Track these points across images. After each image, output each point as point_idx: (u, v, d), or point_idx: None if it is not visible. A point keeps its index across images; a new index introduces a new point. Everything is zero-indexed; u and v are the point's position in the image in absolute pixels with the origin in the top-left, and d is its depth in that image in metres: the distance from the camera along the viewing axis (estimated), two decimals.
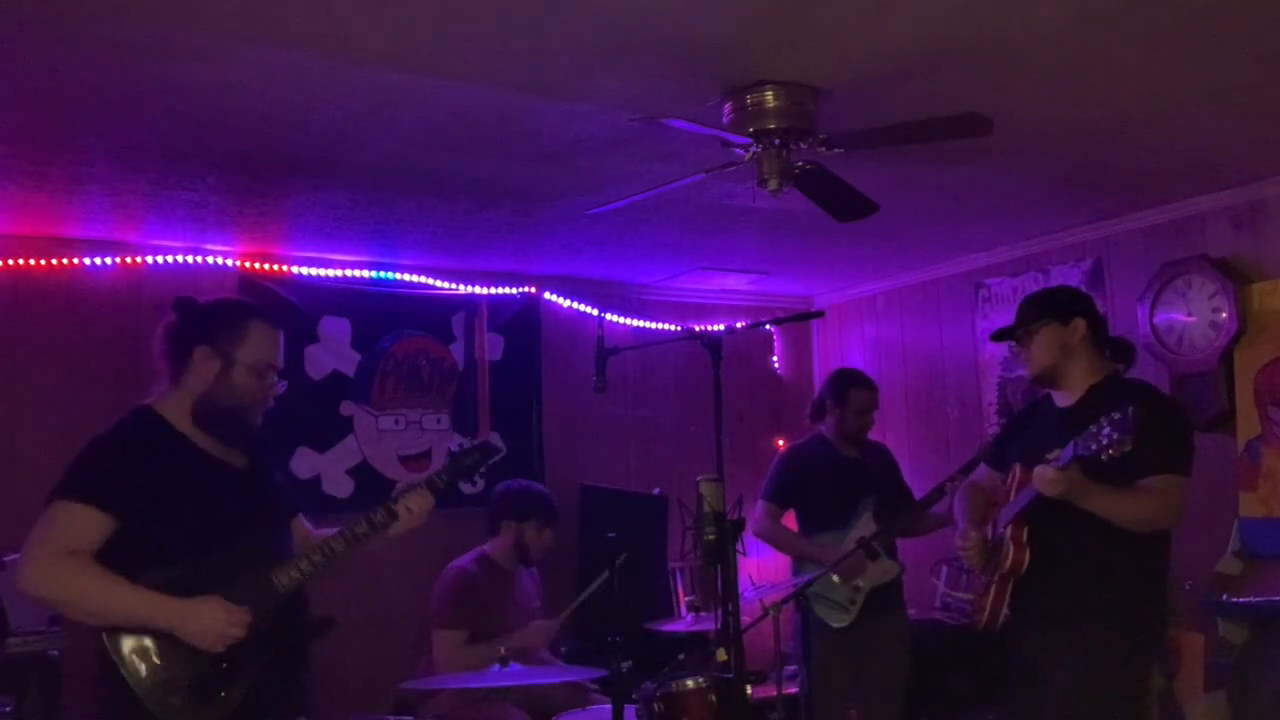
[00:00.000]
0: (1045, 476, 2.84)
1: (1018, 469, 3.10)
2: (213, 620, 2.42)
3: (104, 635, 2.42)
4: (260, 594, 2.51)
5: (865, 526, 4.44)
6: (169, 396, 2.63)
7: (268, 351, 2.67)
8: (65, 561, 2.39)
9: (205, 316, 2.66)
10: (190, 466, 2.57)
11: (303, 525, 2.88)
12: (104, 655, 2.43)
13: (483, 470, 2.96)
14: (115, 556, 2.43)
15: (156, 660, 2.41)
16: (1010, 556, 3.03)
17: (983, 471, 3.50)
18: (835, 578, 4.29)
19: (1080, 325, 3.17)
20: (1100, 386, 3.15)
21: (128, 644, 2.42)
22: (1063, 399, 3.22)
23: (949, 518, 4.47)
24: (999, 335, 3.40)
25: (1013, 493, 3.10)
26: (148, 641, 2.42)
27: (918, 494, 4.60)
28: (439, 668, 4.05)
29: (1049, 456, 2.85)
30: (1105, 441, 2.67)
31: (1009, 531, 3.05)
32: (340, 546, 2.66)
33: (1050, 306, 3.23)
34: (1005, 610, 3.11)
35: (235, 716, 2.46)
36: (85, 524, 2.42)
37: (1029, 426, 3.33)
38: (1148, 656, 3.07)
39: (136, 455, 2.52)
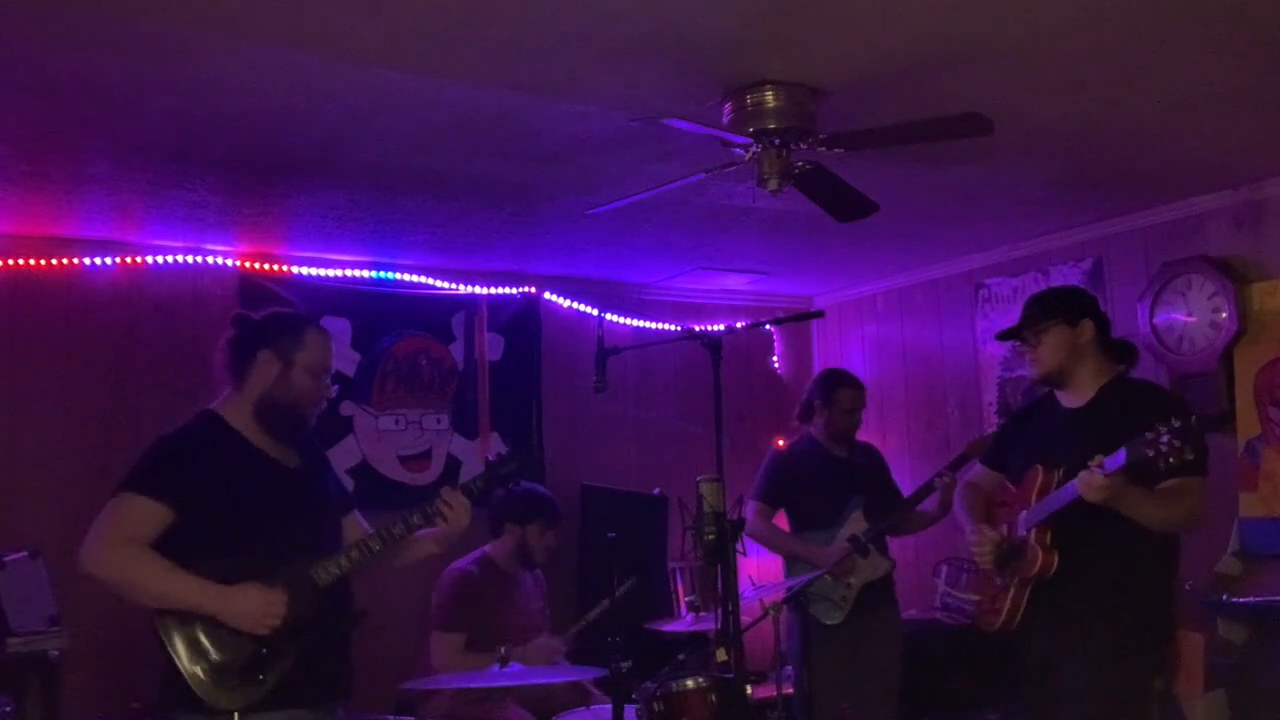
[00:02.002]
0: (1093, 483, 2.79)
1: (1039, 471, 3.07)
2: (251, 605, 2.62)
3: (155, 617, 2.63)
4: (299, 585, 2.69)
5: (855, 524, 4.45)
6: (231, 400, 2.86)
7: (323, 356, 2.90)
8: (123, 547, 2.62)
9: (266, 324, 2.90)
10: (247, 465, 2.79)
11: (357, 522, 3.07)
12: (158, 636, 2.64)
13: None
14: (173, 546, 2.64)
15: (201, 643, 2.62)
16: (1039, 560, 3.00)
17: (979, 471, 3.49)
18: (827, 576, 4.31)
19: (1089, 326, 3.16)
20: (1110, 388, 3.14)
21: (175, 627, 2.62)
22: (1070, 400, 3.20)
23: (938, 514, 4.50)
24: (1005, 335, 3.38)
25: (1033, 495, 3.06)
26: (194, 625, 2.62)
27: (911, 493, 4.62)
28: (436, 671, 4.04)
29: (1092, 463, 2.80)
30: (1165, 449, 2.64)
31: (1033, 535, 3.03)
32: (377, 545, 2.86)
33: (1059, 307, 3.22)
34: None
35: (273, 699, 2.64)
36: (145, 515, 2.64)
37: (1033, 427, 3.31)
38: (1157, 657, 3.06)
39: (197, 453, 2.75)
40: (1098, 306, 3.27)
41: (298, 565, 2.72)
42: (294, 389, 2.83)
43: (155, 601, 2.63)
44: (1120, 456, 2.74)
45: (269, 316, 2.96)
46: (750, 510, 4.63)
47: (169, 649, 2.61)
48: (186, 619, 2.62)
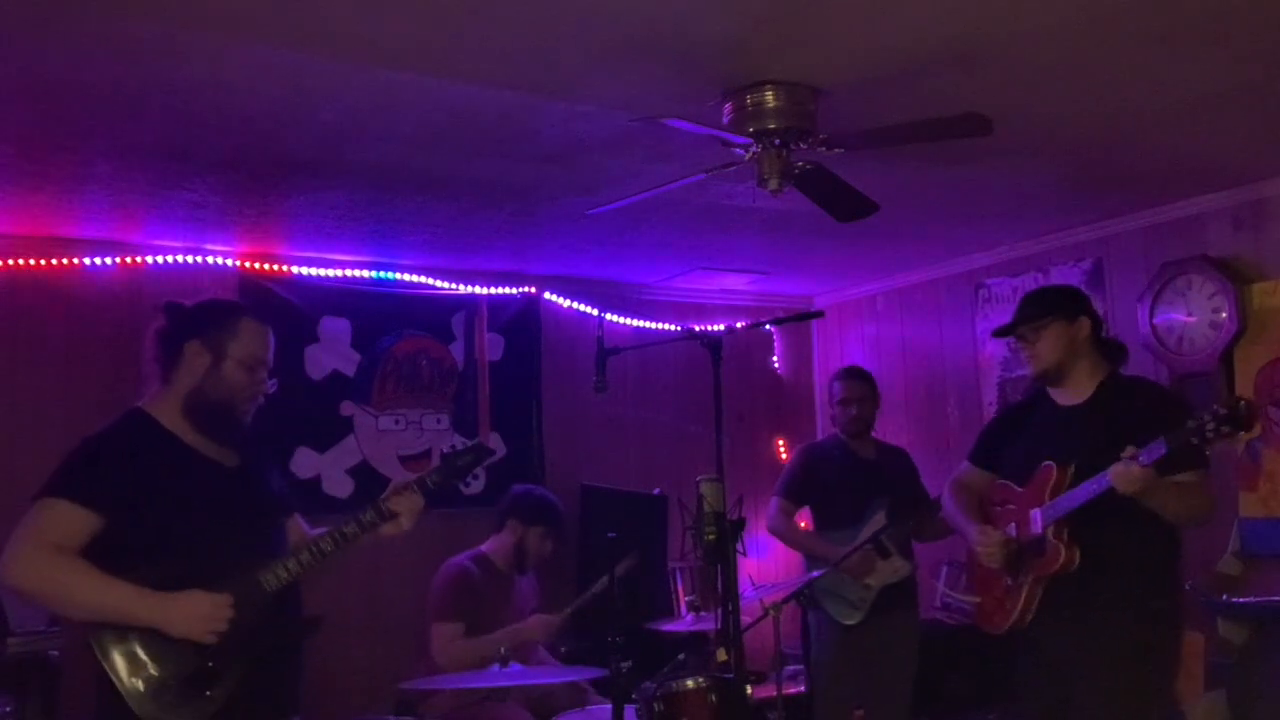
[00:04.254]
0: (1131, 474, 2.79)
1: (1052, 468, 3.06)
2: (194, 609, 2.42)
3: (90, 634, 2.43)
4: (246, 593, 2.51)
5: (877, 526, 4.43)
6: (160, 396, 2.65)
7: (258, 347, 2.69)
8: (47, 556, 2.41)
9: (196, 314, 2.70)
10: (180, 465, 2.58)
11: (299, 526, 2.89)
12: (91, 653, 2.44)
13: (476, 472, 2.94)
14: (104, 554, 2.44)
15: (141, 657, 2.42)
16: (1061, 557, 2.99)
17: (969, 470, 3.46)
18: (846, 576, 4.30)
19: (1085, 324, 3.18)
20: (1109, 384, 3.15)
21: (112, 641, 2.42)
22: (1066, 397, 3.20)
23: None
24: (1003, 331, 3.37)
25: (1046, 493, 3.05)
26: (131, 638, 2.42)
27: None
28: (438, 660, 4.04)
29: (1126, 454, 2.80)
30: (1212, 435, 2.68)
31: (1051, 532, 3.02)
32: (329, 546, 2.66)
33: (1057, 304, 3.23)
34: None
35: (223, 716, 2.45)
36: (69, 521, 2.44)
37: (1028, 425, 3.29)
38: (1175, 656, 3.06)
39: (124, 455, 2.53)
40: (1091, 304, 3.29)
41: (243, 571, 2.52)
42: (225, 383, 2.61)
43: (87, 613, 2.42)
44: (1160, 447, 2.74)
45: (199, 305, 2.73)
46: (772, 506, 4.65)
47: (106, 667, 2.40)
48: (123, 633, 2.40)
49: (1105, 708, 2.96)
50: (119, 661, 2.41)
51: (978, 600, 3.32)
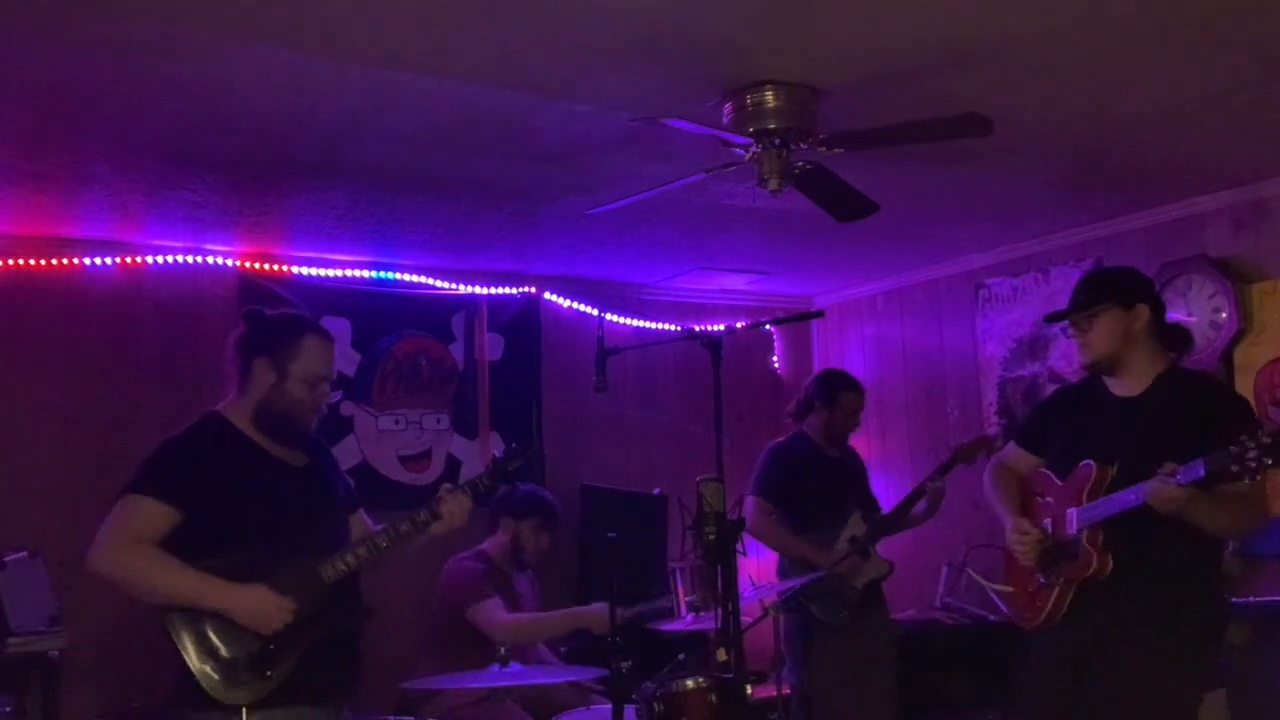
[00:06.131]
0: (1166, 494, 2.64)
1: (1093, 468, 2.90)
2: (259, 603, 2.65)
3: (163, 616, 2.66)
4: (305, 583, 2.73)
5: (855, 526, 4.45)
6: (235, 402, 2.88)
7: (320, 365, 2.90)
8: (129, 547, 2.66)
9: (266, 330, 2.91)
10: (251, 466, 2.82)
11: (363, 520, 3.10)
12: (166, 633, 2.68)
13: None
14: (182, 544, 2.69)
15: (209, 639, 2.66)
16: (1094, 563, 2.85)
17: (1013, 452, 3.28)
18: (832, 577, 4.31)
19: (1144, 312, 2.95)
20: (1167, 378, 2.97)
21: (182, 624, 2.66)
22: (1122, 388, 3.01)
23: (924, 517, 4.57)
24: (1055, 317, 3.17)
25: (1084, 493, 2.90)
26: (202, 622, 2.66)
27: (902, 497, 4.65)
28: (496, 637, 3.99)
29: (1163, 471, 2.65)
30: (1253, 465, 2.51)
31: (1085, 536, 2.88)
32: (384, 542, 2.88)
33: (1113, 289, 2.99)
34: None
35: (280, 695, 2.66)
36: (150, 515, 2.69)
37: (1080, 413, 3.10)
38: (1209, 665, 2.97)
39: (201, 454, 2.78)
40: (1153, 289, 3.05)
41: (305, 562, 2.75)
42: (288, 399, 2.83)
43: (165, 599, 2.66)
44: (1198, 468, 2.58)
45: (271, 322, 2.95)
46: (751, 506, 4.59)
47: (178, 647, 2.64)
48: (194, 616, 2.65)
49: (1132, 710, 2.84)
50: (189, 642, 2.65)
51: (1010, 590, 3.18)
